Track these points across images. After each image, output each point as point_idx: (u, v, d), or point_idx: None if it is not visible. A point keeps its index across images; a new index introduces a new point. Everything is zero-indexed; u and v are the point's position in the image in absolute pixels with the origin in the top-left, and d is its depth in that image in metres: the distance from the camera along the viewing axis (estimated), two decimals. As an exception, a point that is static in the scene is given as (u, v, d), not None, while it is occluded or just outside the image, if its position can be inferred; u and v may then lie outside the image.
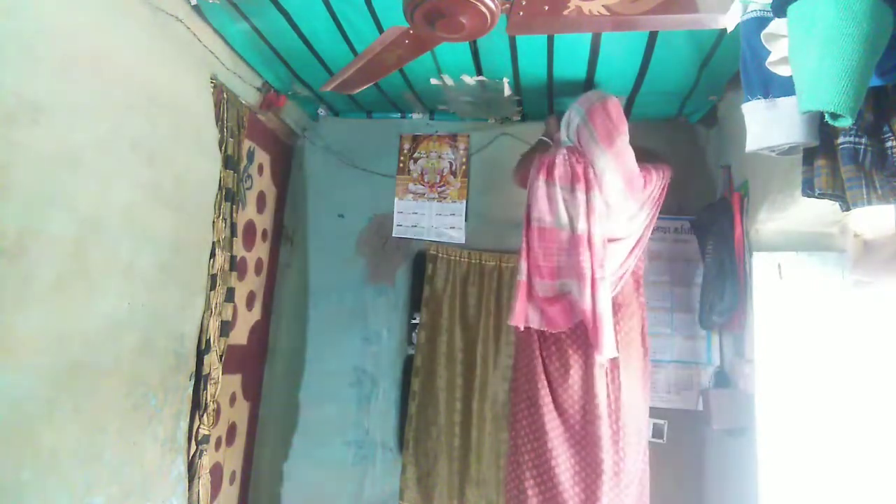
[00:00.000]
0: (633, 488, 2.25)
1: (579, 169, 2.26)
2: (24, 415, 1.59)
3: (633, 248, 2.41)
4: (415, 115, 3.34)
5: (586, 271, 2.18)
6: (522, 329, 2.34)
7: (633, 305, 2.43)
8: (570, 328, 2.30)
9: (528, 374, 2.39)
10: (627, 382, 2.31)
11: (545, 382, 2.31)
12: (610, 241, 2.29)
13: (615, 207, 2.29)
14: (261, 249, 3.08)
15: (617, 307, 2.33)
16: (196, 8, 2.24)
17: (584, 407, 2.27)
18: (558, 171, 2.27)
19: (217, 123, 2.46)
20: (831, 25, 1.14)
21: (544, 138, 2.76)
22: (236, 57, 2.62)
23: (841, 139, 1.43)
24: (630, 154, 2.34)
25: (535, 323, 2.31)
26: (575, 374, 2.28)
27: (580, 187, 2.24)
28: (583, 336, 2.29)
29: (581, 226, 2.22)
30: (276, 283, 3.27)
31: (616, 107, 2.33)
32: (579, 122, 2.33)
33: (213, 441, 2.53)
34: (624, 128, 2.32)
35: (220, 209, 2.47)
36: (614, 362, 2.30)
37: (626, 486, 2.22)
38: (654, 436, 2.80)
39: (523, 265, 2.33)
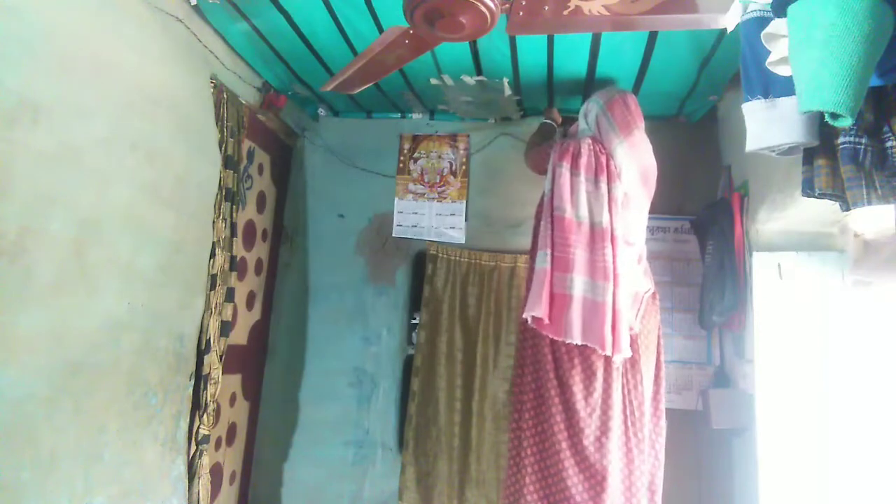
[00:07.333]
0: (643, 492, 2.18)
1: (603, 159, 2.23)
2: (24, 415, 1.59)
3: (641, 253, 2.37)
4: (415, 115, 3.34)
5: (609, 266, 2.11)
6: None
7: (651, 308, 2.38)
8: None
9: (535, 371, 2.28)
10: (646, 385, 2.26)
11: (554, 381, 2.21)
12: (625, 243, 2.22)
13: (631, 200, 2.26)
14: (261, 249, 3.08)
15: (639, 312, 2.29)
16: (196, 8, 2.24)
17: (602, 410, 2.16)
18: (583, 160, 2.22)
19: (217, 123, 2.46)
20: (831, 25, 1.14)
21: (547, 121, 2.79)
22: (236, 57, 2.62)
23: (841, 139, 1.43)
24: (647, 148, 2.36)
25: (545, 315, 2.14)
26: (597, 376, 2.18)
27: (603, 178, 2.20)
28: None
29: (605, 220, 2.16)
30: (276, 283, 3.27)
31: (634, 101, 2.38)
32: (598, 112, 2.33)
33: (213, 441, 2.53)
34: (641, 121, 2.36)
35: (220, 209, 2.47)
36: (635, 366, 2.24)
37: (635, 493, 2.16)
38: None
39: (547, 254, 2.17)
